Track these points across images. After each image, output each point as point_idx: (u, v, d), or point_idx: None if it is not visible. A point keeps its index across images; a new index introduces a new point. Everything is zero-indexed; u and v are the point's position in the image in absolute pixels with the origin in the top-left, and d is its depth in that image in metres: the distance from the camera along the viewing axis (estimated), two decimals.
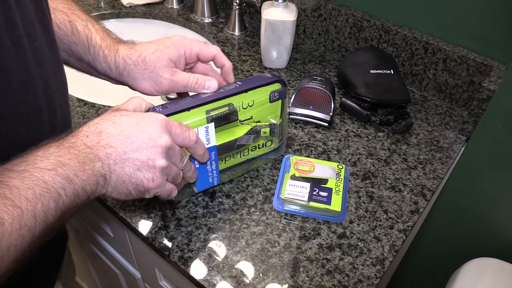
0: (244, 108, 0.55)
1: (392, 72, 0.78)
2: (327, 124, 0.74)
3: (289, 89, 0.83)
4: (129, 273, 0.83)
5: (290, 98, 0.75)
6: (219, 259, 0.53)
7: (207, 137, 0.53)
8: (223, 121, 0.54)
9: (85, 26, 0.55)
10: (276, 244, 0.56)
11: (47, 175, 0.35)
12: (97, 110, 0.75)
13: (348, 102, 0.77)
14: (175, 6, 1.08)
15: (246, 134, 0.57)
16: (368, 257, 0.55)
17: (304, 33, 0.96)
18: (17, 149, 0.38)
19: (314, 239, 0.57)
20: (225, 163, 0.59)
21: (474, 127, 0.74)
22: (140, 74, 0.54)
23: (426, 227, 0.95)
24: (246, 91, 0.55)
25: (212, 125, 0.53)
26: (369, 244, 0.56)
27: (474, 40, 0.76)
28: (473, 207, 0.84)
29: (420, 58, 0.81)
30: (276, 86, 0.58)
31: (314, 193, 0.60)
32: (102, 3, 1.07)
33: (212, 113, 0.52)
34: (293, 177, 0.62)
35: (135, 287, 0.85)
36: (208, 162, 0.55)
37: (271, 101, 0.58)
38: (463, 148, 0.76)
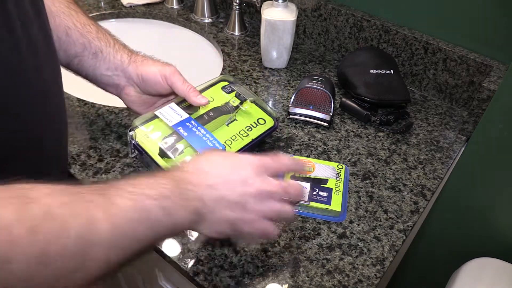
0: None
1: (392, 72, 0.78)
2: (327, 124, 0.74)
3: (289, 89, 0.83)
4: (129, 273, 0.83)
5: (290, 98, 0.75)
6: (219, 259, 0.53)
7: (176, 113, 0.60)
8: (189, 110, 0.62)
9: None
10: (276, 244, 0.56)
11: (150, 203, 0.37)
12: (97, 110, 0.75)
13: (348, 102, 0.77)
14: (175, 6, 1.08)
15: (215, 108, 0.63)
16: (368, 257, 0.55)
17: (304, 33, 0.96)
18: (13, 141, 0.38)
19: (314, 239, 0.57)
20: (230, 148, 0.60)
21: (474, 127, 0.74)
22: (152, 62, 0.61)
23: (426, 227, 0.95)
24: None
25: (173, 104, 0.61)
26: (369, 244, 0.56)
27: (474, 40, 0.76)
28: (473, 207, 0.84)
29: (420, 58, 0.81)
30: (224, 83, 0.68)
31: (314, 193, 0.60)
32: (102, 3, 1.07)
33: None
34: (293, 177, 0.62)
35: (135, 287, 0.85)
36: (194, 129, 0.59)
37: (228, 93, 0.67)
38: (463, 148, 0.76)
